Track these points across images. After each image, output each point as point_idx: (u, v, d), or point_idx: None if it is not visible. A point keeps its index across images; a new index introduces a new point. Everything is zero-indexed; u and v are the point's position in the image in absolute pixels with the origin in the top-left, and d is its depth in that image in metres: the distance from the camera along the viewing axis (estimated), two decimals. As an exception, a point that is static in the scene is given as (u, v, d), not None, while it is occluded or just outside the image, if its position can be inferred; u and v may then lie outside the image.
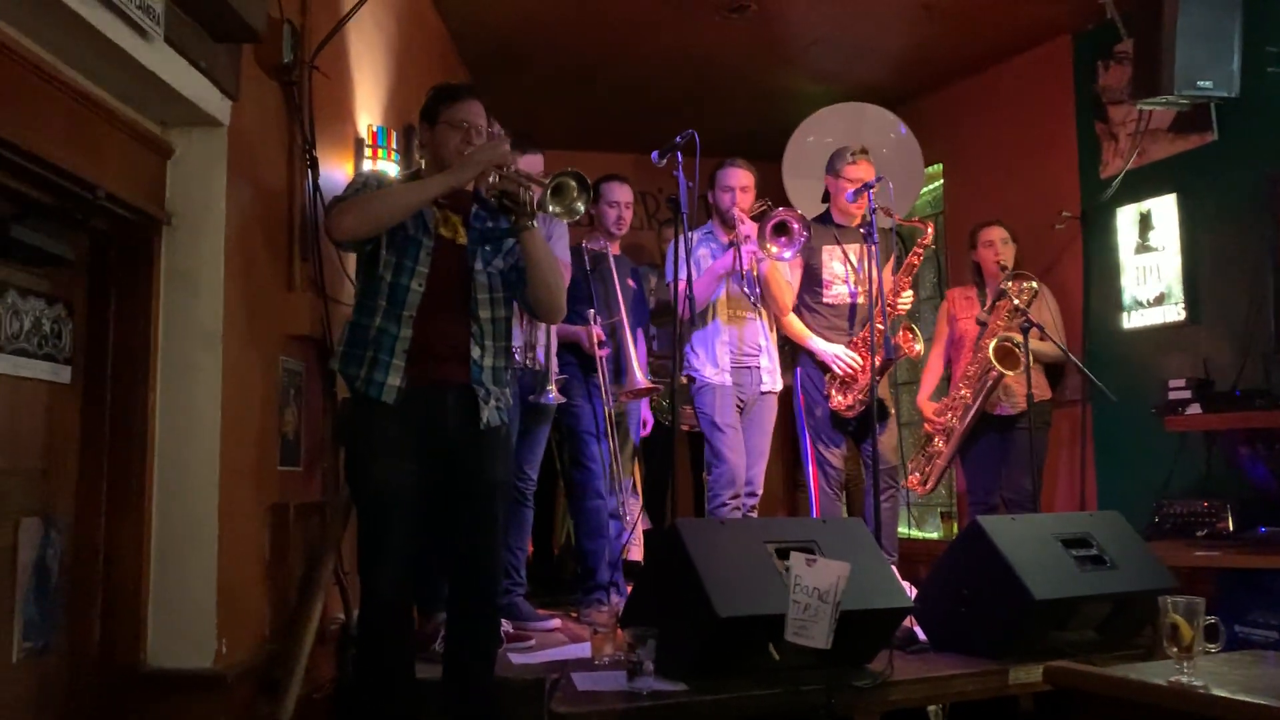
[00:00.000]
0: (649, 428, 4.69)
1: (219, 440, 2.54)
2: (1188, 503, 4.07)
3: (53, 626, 2.33)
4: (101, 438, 2.46)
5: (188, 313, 2.55)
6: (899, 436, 4.57)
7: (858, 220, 4.29)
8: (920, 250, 4.34)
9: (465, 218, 2.79)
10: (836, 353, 4.24)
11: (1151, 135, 4.63)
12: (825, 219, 4.43)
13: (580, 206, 2.65)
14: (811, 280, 4.37)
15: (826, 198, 4.46)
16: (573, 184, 2.62)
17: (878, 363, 4.04)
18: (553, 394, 3.79)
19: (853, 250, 4.28)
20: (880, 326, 4.03)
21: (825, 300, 4.35)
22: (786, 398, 4.48)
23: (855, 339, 4.27)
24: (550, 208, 2.59)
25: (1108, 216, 4.82)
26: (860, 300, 4.30)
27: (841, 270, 4.33)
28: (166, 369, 2.53)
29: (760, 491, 4.28)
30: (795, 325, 4.35)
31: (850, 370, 4.21)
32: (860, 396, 4.18)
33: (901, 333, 4.28)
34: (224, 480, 2.54)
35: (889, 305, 4.24)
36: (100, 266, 2.50)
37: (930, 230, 4.37)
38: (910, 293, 4.34)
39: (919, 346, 4.32)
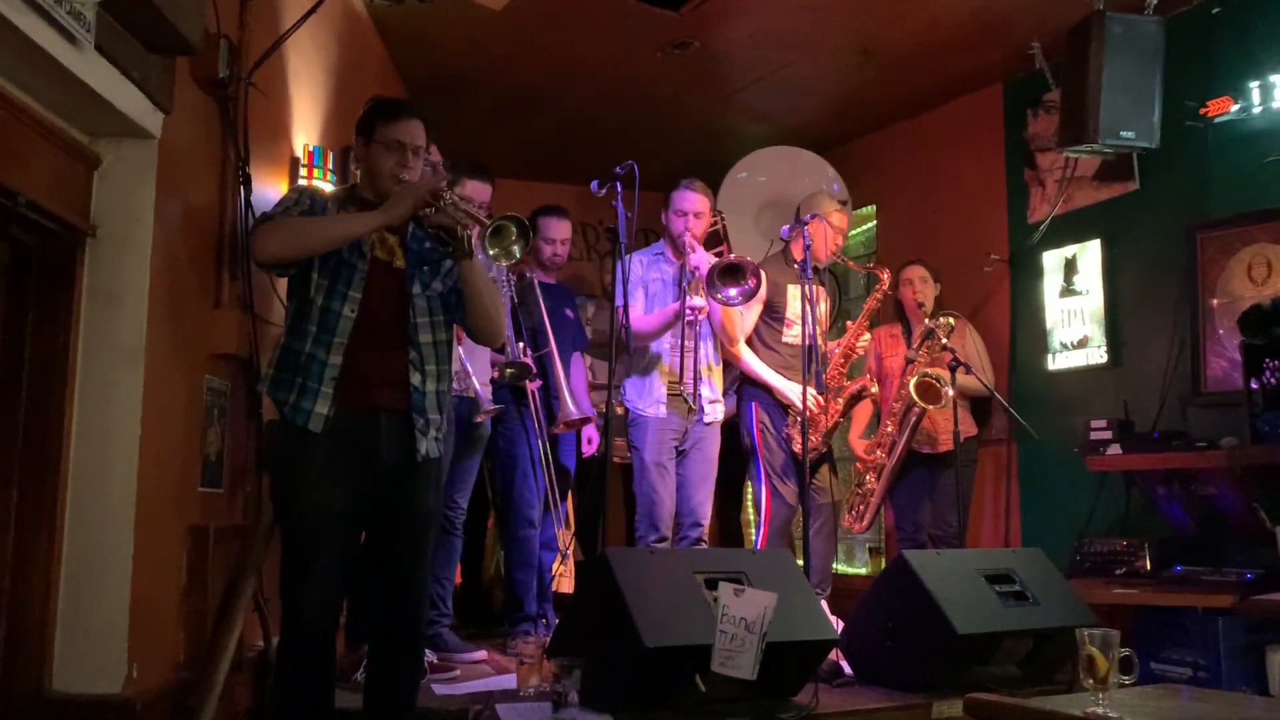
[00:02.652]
0: (595, 445, 4.58)
1: (137, 459, 2.47)
2: (1108, 541, 4.15)
3: (-48, 649, 2.25)
4: (13, 454, 2.37)
5: (109, 328, 2.49)
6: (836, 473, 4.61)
7: (822, 263, 4.27)
8: (879, 295, 4.41)
9: (403, 239, 2.72)
10: (797, 394, 4.13)
11: (1077, 183, 4.77)
12: (789, 258, 4.36)
13: (517, 251, 2.59)
14: (772, 317, 4.31)
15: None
16: (512, 229, 2.58)
17: (839, 404, 4.12)
18: (486, 421, 3.77)
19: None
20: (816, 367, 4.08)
21: (784, 339, 4.28)
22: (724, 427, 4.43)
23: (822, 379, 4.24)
24: (488, 250, 2.56)
25: (1034, 260, 4.94)
26: (817, 342, 4.22)
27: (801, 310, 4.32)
28: (85, 385, 2.46)
29: (705, 522, 4.14)
30: (753, 362, 4.26)
31: (813, 412, 4.15)
32: (821, 437, 4.18)
33: (865, 374, 4.35)
34: (141, 500, 2.47)
35: (849, 349, 4.31)
36: (19, 277, 2.43)
37: (887, 276, 4.42)
38: (868, 335, 4.43)
39: (875, 388, 4.41)
